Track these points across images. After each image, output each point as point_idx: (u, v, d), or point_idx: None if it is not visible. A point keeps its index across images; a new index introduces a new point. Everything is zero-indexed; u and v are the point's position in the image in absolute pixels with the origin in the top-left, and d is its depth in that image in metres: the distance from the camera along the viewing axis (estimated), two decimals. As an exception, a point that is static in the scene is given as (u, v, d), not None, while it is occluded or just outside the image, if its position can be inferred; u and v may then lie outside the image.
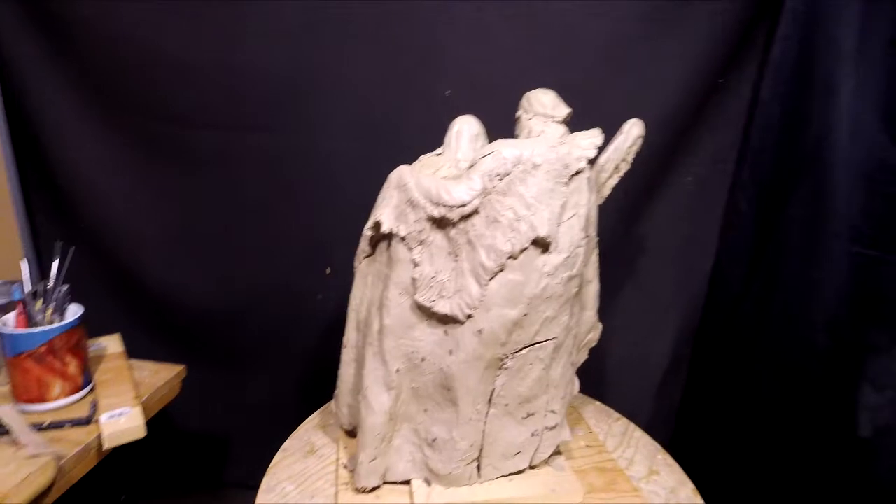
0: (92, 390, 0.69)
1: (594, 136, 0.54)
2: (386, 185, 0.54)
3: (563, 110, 0.57)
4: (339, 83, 0.82)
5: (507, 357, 0.53)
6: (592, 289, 0.63)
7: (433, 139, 0.59)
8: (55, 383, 0.64)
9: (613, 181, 0.64)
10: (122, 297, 0.96)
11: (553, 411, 0.58)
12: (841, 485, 0.68)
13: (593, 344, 0.67)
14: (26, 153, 0.90)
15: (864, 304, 0.66)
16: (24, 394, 0.64)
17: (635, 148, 0.63)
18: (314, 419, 0.72)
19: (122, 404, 0.65)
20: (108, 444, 0.61)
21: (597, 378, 0.88)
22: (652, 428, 0.72)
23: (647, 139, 0.63)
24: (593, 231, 0.59)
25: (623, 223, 0.85)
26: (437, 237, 0.52)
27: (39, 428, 0.61)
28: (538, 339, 0.53)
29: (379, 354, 0.54)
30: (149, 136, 0.87)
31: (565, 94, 0.58)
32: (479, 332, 0.51)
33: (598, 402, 0.77)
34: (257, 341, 0.96)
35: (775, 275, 0.76)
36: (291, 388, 0.98)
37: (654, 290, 0.89)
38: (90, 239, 0.91)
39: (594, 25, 0.76)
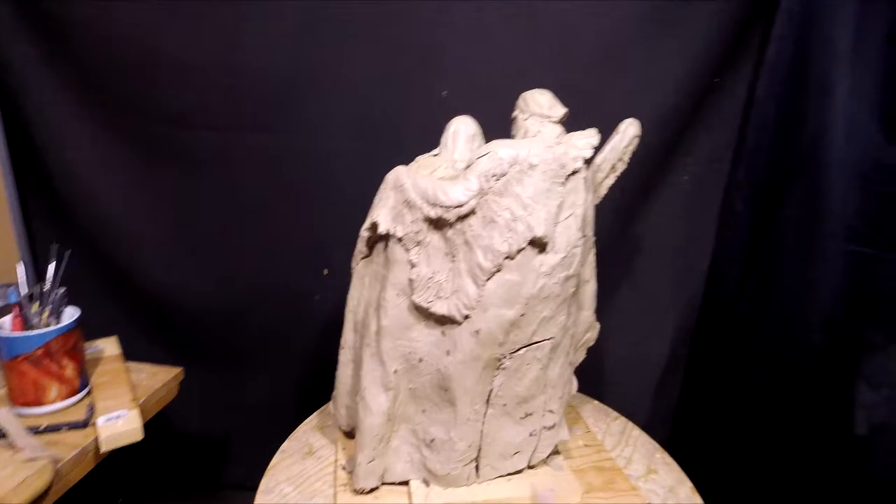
0: (89, 393, 0.69)
1: (590, 136, 0.54)
2: (383, 186, 0.54)
3: (560, 110, 0.57)
4: (338, 83, 0.82)
5: (504, 357, 0.54)
6: (590, 288, 0.63)
7: (433, 139, 0.59)
8: (52, 386, 0.64)
9: (610, 181, 0.64)
10: (120, 298, 0.95)
11: (551, 411, 0.58)
12: (838, 482, 0.69)
13: (591, 343, 0.68)
14: (23, 154, 0.90)
15: (859, 302, 0.67)
16: (21, 397, 0.64)
17: (631, 148, 0.63)
18: (312, 420, 0.72)
19: (119, 407, 0.65)
20: (105, 447, 0.60)
21: (595, 377, 0.88)
22: (650, 427, 0.72)
23: (644, 139, 0.63)
24: (590, 231, 0.59)
25: (620, 223, 0.85)
26: (434, 238, 0.52)
27: (36, 431, 0.60)
28: (536, 339, 0.54)
29: (377, 355, 0.54)
30: (147, 136, 0.87)
31: (563, 94, 0.58)
32: (477, 332, 0.51)
33: (596, 402, 0.78)
34: (255, 342, 0.96)
35: (771, 274, 0.76)
36: (290, 389, 0.98)
37: (651, 290, 0.89)
38: (87, 241, 0.91)
39: (592, 25, 0.76)
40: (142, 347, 0.84)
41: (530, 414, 0.57)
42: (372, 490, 0.57)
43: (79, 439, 0.60)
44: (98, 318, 0.75)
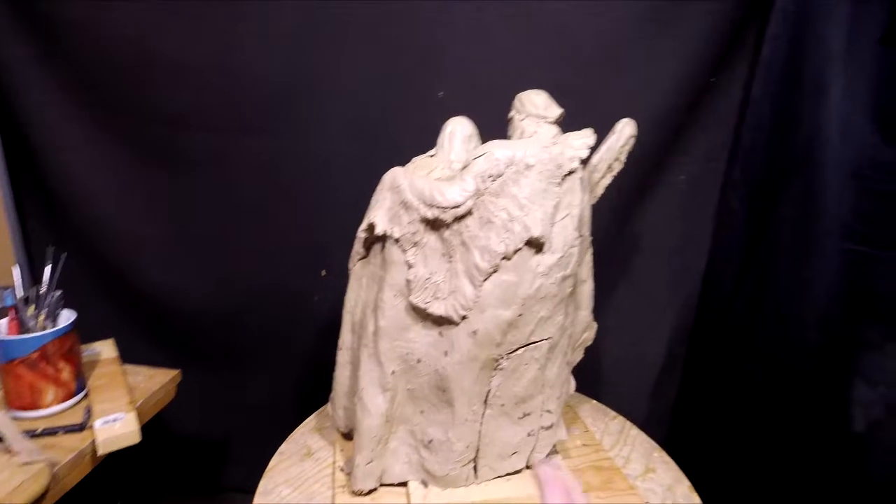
0: (86, 396, 0.69)
1: (586, 137, 0.54)
2: (379, 187, 0.54)
3: (556, 111, 0.57)
4: (336, 85, 0.82)
5: (502, 357, 0.54)
6: (587, 288, 0.64)
7: (431, 141, 0.59)
8: (48, 390, 0.64)
9: (606, 181, 0.64)
10: (117, 300, 0.95)
11: (549, 411, 0.58)
12: (835, 480, 0.69)
13: (588, 343, 0.68)
14: (18, 156, 0.90)
15: (855, 300, 0.67)
16: (17, 400, 0.63)
17: (628, 147, 0.63)
18: (310, 422, 0.72)
19: (116, 410, 0.65)
20: (102, 451, 0.60)
21: (593, 377, 0.88)
22: (648, 426, 0.72)
23: (640, 138, 0.63)
24: (587, 231, 0.59)
25: (616, 223, 0.85)
26: (430, 239, 0.52)
27: (32, 435, 0.60)
28: (533, 339, 0.54)
29: (374, 356, 0.54)
30: (144, 137, 0.87)
31: (559, 94, 0.58)
32: (474, 332, 0.51)
33: (594, 401, 0.78)
34: (253, 344, 0.96)
35: (767, 273, 0.76)
36: (288, 391, 0.98)
37: (648, 289, 0.90)
38: (84, 242, 0.90)
39: (589, 25, 0.77)
40: (139, 349, 0.84)
41: (528, 414, 0.57)
42: (370, 491, 0.57)
43: (76, 442, 0.60)
44: (95, 320, 0.75)
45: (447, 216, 0.50)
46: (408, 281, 0.52)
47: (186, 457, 1.04)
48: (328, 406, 0.67)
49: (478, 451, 0.56)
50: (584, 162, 0.54)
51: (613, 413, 0.75)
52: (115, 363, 0.77)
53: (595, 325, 0.67)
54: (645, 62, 0.77)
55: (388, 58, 0.80)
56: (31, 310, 0.66)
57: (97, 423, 0.62)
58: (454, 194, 0.50)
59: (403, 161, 0.58)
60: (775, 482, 0.76)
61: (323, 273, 0.91)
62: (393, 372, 0.54)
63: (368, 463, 0.56)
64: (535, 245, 0.51)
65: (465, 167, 0.52)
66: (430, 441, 0.56)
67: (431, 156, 0.58)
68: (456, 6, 0.77)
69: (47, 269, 0.67)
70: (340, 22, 0.79)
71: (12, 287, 0.65)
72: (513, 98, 0.59)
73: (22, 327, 0.65)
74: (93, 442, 0.60)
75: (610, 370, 0.92)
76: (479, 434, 0.56)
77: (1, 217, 0.90)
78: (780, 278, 0.74)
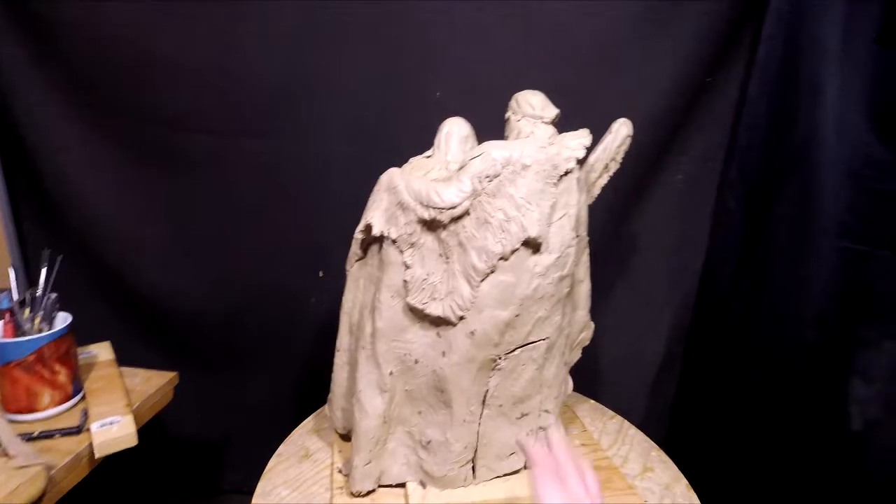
0: (82, 399, 0.68)
1: (582, 137, 0.54)
2: (376, 188, 0.54)
3: (552, 111, 0.57)
4: (334, 86, 0.81)
5: (500, 358, 0.54)
6: (584, 288, 0.64)
7: (430, 141, 0.59)
8: (45, 393, 0.64)
9: (603, 181, 0.64)
10: (113, 302, 0.95)
11: (547, 411, 0.58)
12: (832, 478, 0.69)
13: (586, 343, 0.68)
14: (13, 157, 0.89)
15: (852, 298, 0.67)
16: (13, 404, 0.63)
17: (624, 147, 0.63)
18: (308, 423, 0.72)
19: (113, 412, 0.64)
20: (99, 453, 0.60)
21: (590, 377, 0.88)
22: (646, 425, 0.72)
23: (637, 138, 0.63)
24: (584, 231, 0.59)
25: (613, 222, 0.85)
26: (427, 239, 0.52)
27: (29, 438, 0.60)
28: (531, 339, 0.54)
29: (372, 357, 0.54)
30: (140, 138, 0.86)
31: (556, 94, 0.58)
32: (472, 333, 0.51)
33: (592, 401, 0.78)
34: (251, 345, 0.96)
35: (764, 272, 0.76)
36: (286, 392, 0.97)
37: (645, 289, 0.90)
38: (79, 243, 0.90)
39: (586, 26, 0.77)
40: (136, 352, 0.84)
41: (526, 414, 0.57)
42: (369, 492, 0.57)
43: (72, 446, 0.60)
44: (91, 323, 0.75)
45: (444, 217, 0.50)
46: (405, 282, 0.52)
47: (184, 459, 1.03)
48: (326, 407, 0.67)
49: (476, 451, 0.56)
50: (581, 162, 0.54)
51: (611, 412, 0.75)
52: (111, 366, 0.77)
53: (592, 325, 0.67)
54: (641, 62, 0.77)
55: (386, 58, 0.80)
56: (26, 312, 0.65)
57: (94, 426, 0.61)
58: (451, 195, 0.50)
59: (402, 162, 0.58)
60: (773, 480, 0.76)
61: (321, 274, 0.91)
62: (391, 373, 0.54)
63: (367, 464, 0.56)
64: (533, 245, 0.51)
65: (461, 168, 0.52)
66: (429, 442, 0.56)
67: (428, 156, 0.58)
68: (454, 6, 0.77)
69: (43, 272, 0.67)
70: (339, 22, 0.78)
71: (8, 290, 0.65)
72: (509, 98, 0.59)
73: (18, 330, 0.64)
74: (90, 445, 0.60)
75: (608, 370, 0.92)
76: (477, 434, 0.56)
77: (-4, 219, 0.89)
78: (776, 277, 0.75)
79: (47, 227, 0.92)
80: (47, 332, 0.63)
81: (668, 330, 0.92)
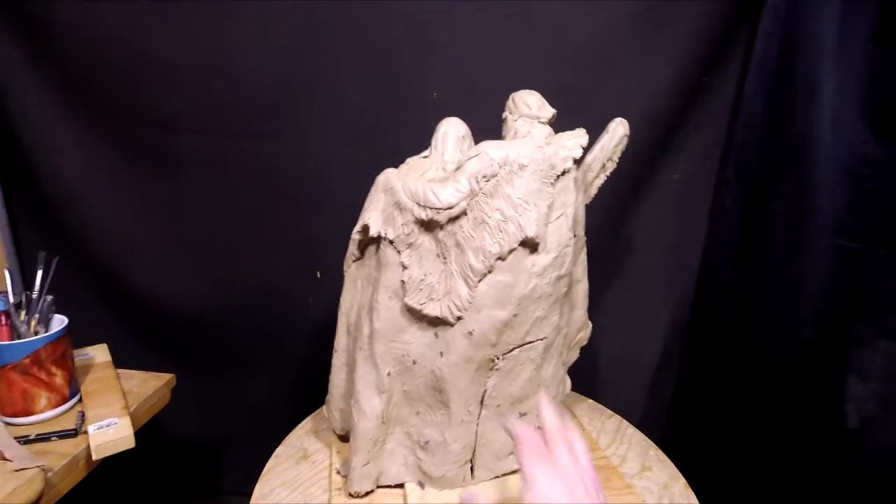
0: (79, 401, 0.68)
1: (579, 136, 0.54)
2: (373, 189, 0.54)
3: (548, 111, 0.57)
4: (332, 87, 0.81)
5: (498, 358, 0.54)
6: (582, 288, 0.64)
7: (427, 142, 0.59)
8: (41, 395, 0.63)
9: (600, 180, 0.64)
10: (110, 304, 0.95)
11: (545, 411, 0.58)
12: (829, 476, 0.69)
13: (584, 343, 0.68)
14: (8, 158, 0.89)
15: (848, 296, 0.67)
16: (9, 407, 0.63)
17: (621, 147, 0.63)
18: (306, 424, 0.72)
19: (110, 415, 0.64)
20: (96, 456, 0.60)
21: (588, 376, 0.89)
22: (644, 424, 0.73)
23: (634, 137, 0.63)
24: (581, 230, 0.59)
25: (611, 222, 0.85)
26: (425, 240, 0.52)
27: (25, 441, 0.60)
28: (529, 339, 0.54)
29: (370, 358, 0.54)
30: (136, 139, 0.86)
31: (554, 94, 0.58)
32: (470, 333, 0.51)
33: (590, 401, 0.78)
34: (249, 346, 0.96)
35: (760, 270, 0.77)
36: (284, 393, 0.97)
37: (643, 288, 0.90)
38: (75, 245, 0.90)
39: (584, 25, 0.77)
40: (133, 353, 0.83)
41: (524, 414, 0.57)
42: (367, 493, 0.57)
43: (69, 448, 0.59)
44: (87, 324, 0.75)
45: (441, 217, 0.50)
46: (403, 282, 0.52)
47: (182, 461, 1.03)
48: (324, 408, 0.67)
49: (474, 451, 0.56)
50: (578, 162, 0.54)
51: (609, 412, 0.75)
52: (108, 367, 0.77)
53: (590, 325, 0.67)
54: (639, 61, 0.77)
55: (384, 58, 0.80)
56: (22, 315, 0.65)
57: (91, 429, 0.61)
58: (448, 195, 0.50)
59: (398, 163, 0.58)
60: (770, 478, 0.76)
61: (318, 275, 0.90)
62: (389, 373, 0.54)
63: (365, 465, 0.56)
64: (530, 245, 0.51)
65: (458, 168, 0.52)
66: (427, 442, 0.56)
67: (425, 157, 0.58)
68: (454, 6, 0.77)
69: (39, 274, 0.67)
70: (338, 22, 0.78)
71: (4, 292, 0.65)
72: (507, 98, 0.59)
73: (13, 333, 0.64)
74: (87, 447, 0.60)
75: (606, 369, 0.92)
76: (475, 435, 0.56)
77: (-8, 221, 0.89)
78: (773, 275, 0.75)
79: (43, 228, 0.92)
80: (43, 335, 0.63)
81: (666, 329, 0.92)
